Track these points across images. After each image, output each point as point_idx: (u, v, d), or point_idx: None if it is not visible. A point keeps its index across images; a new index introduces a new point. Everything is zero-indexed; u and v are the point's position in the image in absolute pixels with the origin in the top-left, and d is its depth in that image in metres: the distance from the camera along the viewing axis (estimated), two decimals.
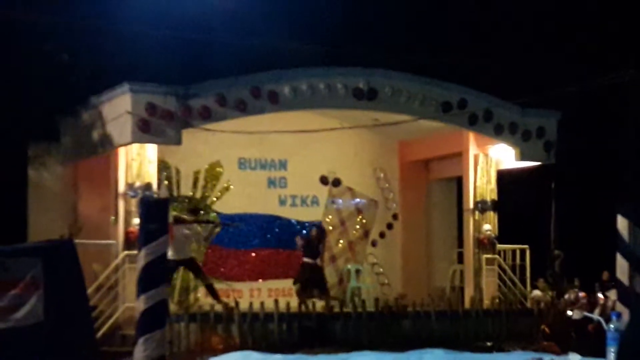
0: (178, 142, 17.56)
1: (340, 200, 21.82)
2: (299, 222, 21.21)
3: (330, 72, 18.71)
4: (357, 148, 21.89)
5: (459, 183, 21.56)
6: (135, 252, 13.03)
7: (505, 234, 20.65)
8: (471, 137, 20.19)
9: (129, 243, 17.21)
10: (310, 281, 18.60)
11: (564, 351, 15.28)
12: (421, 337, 17.08)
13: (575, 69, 21.38)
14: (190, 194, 20.03)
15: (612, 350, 6.70)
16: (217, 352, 14.80)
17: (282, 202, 21.12)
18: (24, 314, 8.90)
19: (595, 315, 16.63)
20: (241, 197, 20.48)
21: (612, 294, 18.77)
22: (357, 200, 22.04)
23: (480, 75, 21.29)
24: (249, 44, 20.70)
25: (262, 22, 22.92)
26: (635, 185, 20.52)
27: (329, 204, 21.67)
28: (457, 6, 26.63)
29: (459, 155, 20.68)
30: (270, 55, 20.00)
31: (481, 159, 20.28)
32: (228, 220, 19.93)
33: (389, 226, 22.36)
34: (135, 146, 17.62)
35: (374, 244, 22.17)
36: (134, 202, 17.28)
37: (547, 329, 18.52)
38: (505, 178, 20.99)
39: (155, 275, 10.64)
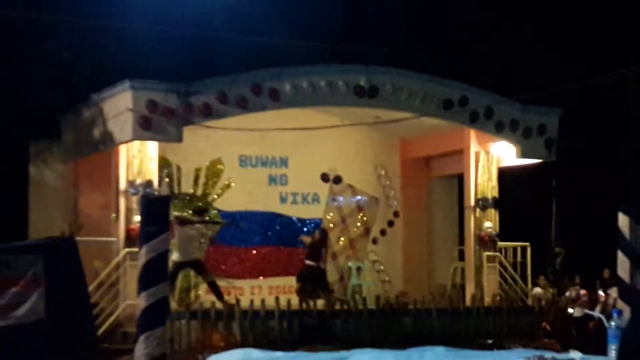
0: (179, 139, 17.56)
1: (341, 198, 21.81)
2: (299, 220, 21.21)
3: (331, 70, 18.71)
4: (358, 145, 21.88)
5: (460, 180, 21.55)
6: (136, 249, 13.01)
7: (506, 231, 20.64)
8: (472, 134, 20.19)
9: (129, 240, 17.22)
10: (312, 284, 18.59)
11: (564, 349, 15.22)
12: (422, 335, 17.10)
13: (576, 66, 21.36)
14: (191, 191, 20.03)
15: (613, 347, 6.68)
16: (218, 350, 14.75)
17: (283, 200, 21.11)
18: (24, 311, 8.90)
19: (596, 313, 16.59)
20: (242, 194, 20.48)
21: (613, 292, 18.76)
22: (358, 197, 22.03)
23: (481, 72, 21.27)
24: (250, 42, 20.68)
25: (263, 19, 22.89)
26: (636, 182, 20.52)
27: (330, 202, 21.67)
28: (458, 3, 26.60)
29: (460, 153, 20.68)
30: (271, 53, 20.00)
31: (482, 156, 20.27)
32: (229, 218, 19.93)
33: (390, 223, 22.36)
34: (136, 143, 17.63)
35: (374, 241, 22.16)
36: (134, 200, 17.30)
37: (548, 327, 18.51)
38: (506, 175, 20.98)
39: (156, 273, 10.64)
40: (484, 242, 20.08)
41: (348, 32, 24.37)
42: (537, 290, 20.85)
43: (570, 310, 19.53)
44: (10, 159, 18.89)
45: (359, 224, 22.00)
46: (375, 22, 25.75)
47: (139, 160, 17.71)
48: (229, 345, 15.37)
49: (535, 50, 26.33)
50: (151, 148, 17.80)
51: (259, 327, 16.70)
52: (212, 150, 20.09)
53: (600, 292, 20.79)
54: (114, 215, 18.02)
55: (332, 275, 20.52)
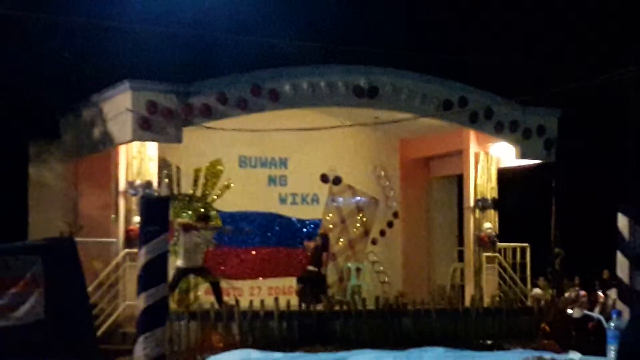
0: (179, 140, 17.57)
1: (340, 198, 21.81)
2: (299, 221, 21.21)
3: (331, 70, 18.71)
4: (358, 146, 21.89)
5: (460, 181, 21.55)
6: (135, 250, 13.04)
7: (505, 232, 20.65)
8: (472, 135, 20.19)
9: (129, 241, 17.22)
10: (313, 289, 18.60)
11: (564, 349, 15.23)
12: (421, 335, 17.08)
13: (576, 67, 21.35)
14: (191, 192, 20.03)
15: (613, 348, 6.70)
16: (217, 351, 14.76)
17: (283, 200, 21.11)
18: (24, 312, 8.90)
19: (596, 314, 16.61)
20: (242, 195, 20.48)
21: (613, 292, 18.77)
22: (358, 198, 22.03)
23: (481, 73, 21.26)
24: (250, 42, 20.70)
25: (262, 20, 22.91)
26: (636, 183, 20.52)
27: (330, 202, 21.66)
28: (458, 4, 26.61)
29: (460, 153, 20.69)
30: (271, 53, 19.99)
31: (482, 157, 20.28)
32: (228, 219, 19.93)
33: (390, 224, 22.35)
34: (136, 144, 17.63)
35: (374, 242, 22.16)
36: (134, 200, 17.30)
37: (547, 327, 18.50)
38: (505, 176, 20.98)
39: (155, 274, 10.65)
40: (484, 242, 20.08)
41: (348, 32, 24.36)
42: (537, 291, 20.86)
43: (569, 311, 19.53)
44: (10, 159, 18.89)
45: (358, 224, 22.00)
46: (375, 23, 25.76)
47: (138, 160, 17.72)
48: (228, 346, 15.35)
49: (535, 51, 26.33)
50: (151, 149, 17.80)
51: (258, 328, 16.69)
52: (211, 150, 20.09)
53: (600, 293, 20.80)
54: (113, 215, 18.02)
55: (331, 276, 20.52)
